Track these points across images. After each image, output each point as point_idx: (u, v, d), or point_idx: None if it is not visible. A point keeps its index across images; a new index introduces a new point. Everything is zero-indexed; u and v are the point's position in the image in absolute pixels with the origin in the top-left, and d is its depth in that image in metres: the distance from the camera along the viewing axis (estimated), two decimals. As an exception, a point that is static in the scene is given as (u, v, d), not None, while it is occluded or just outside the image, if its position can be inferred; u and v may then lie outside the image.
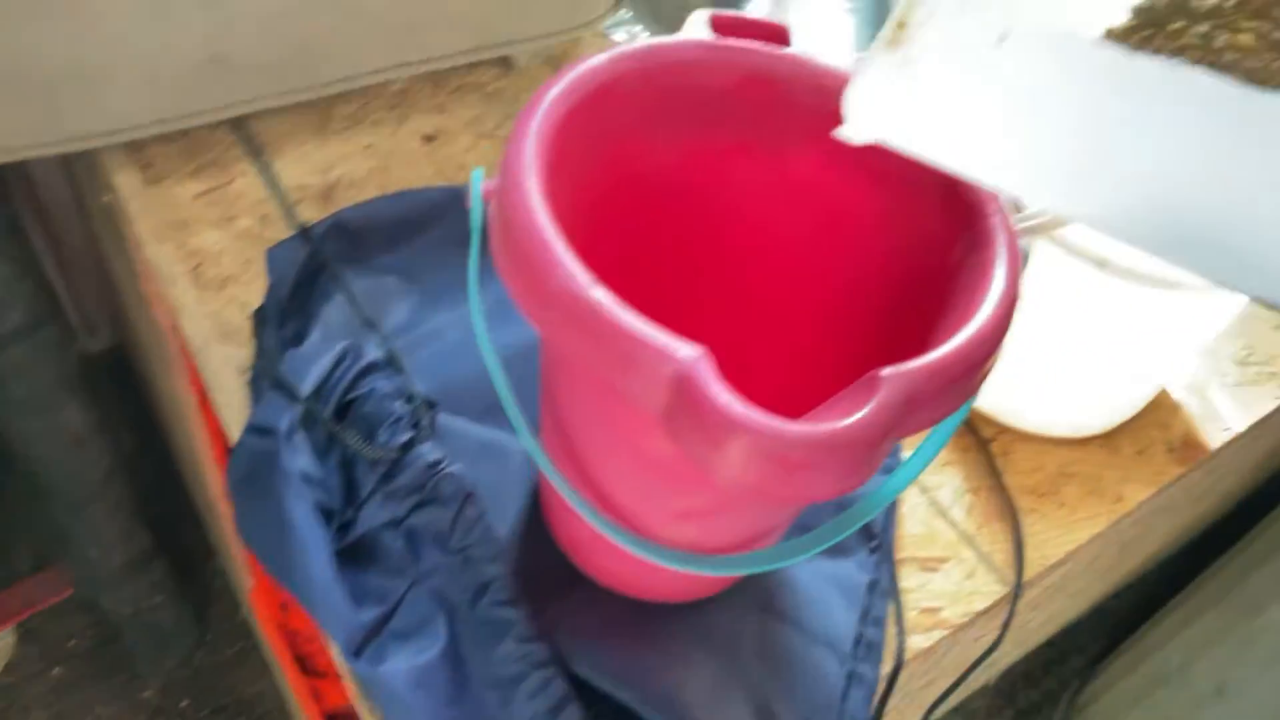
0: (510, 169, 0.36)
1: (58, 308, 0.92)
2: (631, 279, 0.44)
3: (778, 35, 0.42)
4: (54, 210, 1.24)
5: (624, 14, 0.81)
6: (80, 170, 0.95)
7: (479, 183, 0.39)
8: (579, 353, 0.34)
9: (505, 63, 0.76)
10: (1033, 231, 0.48)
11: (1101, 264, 0.51)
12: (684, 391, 0.32)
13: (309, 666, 1.13)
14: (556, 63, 0.77)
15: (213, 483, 0.97)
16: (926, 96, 0.27)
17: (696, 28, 0.41)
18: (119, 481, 1.04)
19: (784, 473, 0.32)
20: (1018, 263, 0.40)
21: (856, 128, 0.29)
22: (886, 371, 0.34)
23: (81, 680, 1.19)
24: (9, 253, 0.84)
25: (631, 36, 0.82)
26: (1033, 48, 0.23)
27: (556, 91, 0.39)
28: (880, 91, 0.30)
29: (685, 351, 0.32)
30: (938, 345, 0.37)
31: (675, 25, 0.82)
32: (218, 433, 0.95)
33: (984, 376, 0.38)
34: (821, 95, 0.42)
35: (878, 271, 0.43)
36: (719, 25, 0.41)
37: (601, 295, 0.33)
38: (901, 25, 0.31)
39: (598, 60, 0.40)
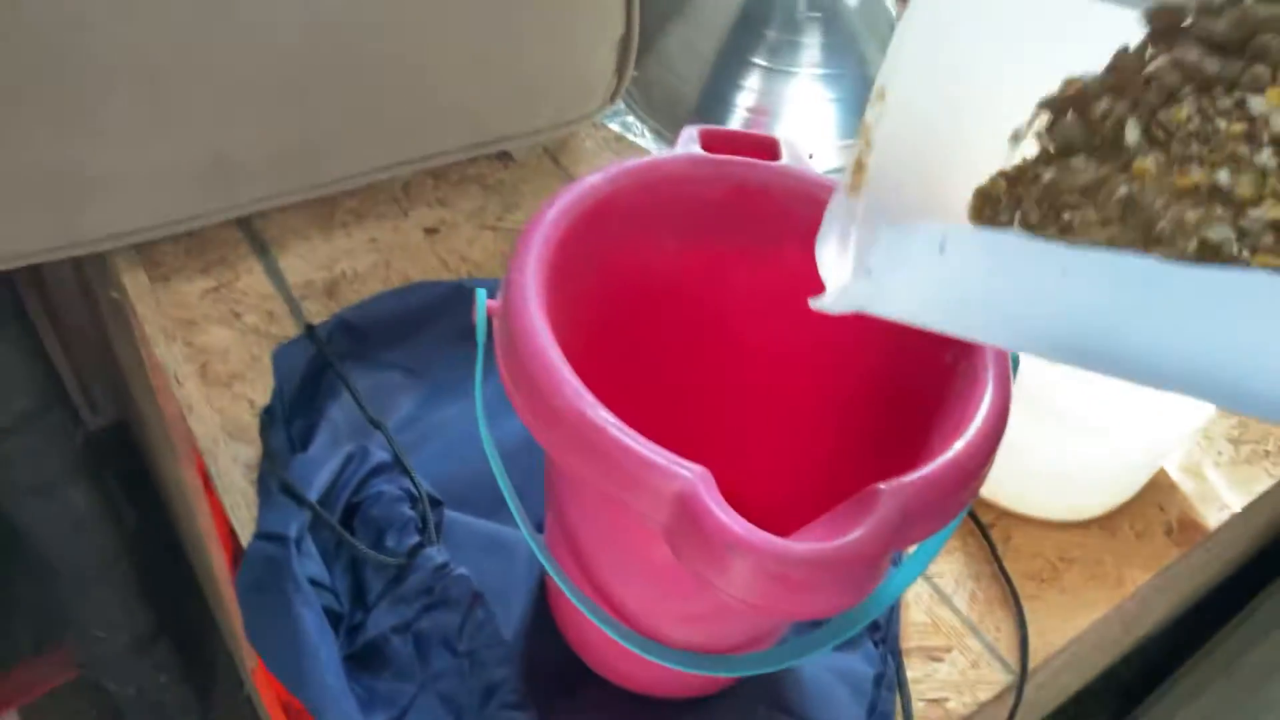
0: (513, 290, 0.37)
1: (63, 392, 0.93)
2: (632, 384, 0.45)
3: (767, 148, 0.43)
4: (58, 289, 1.26)
5: (618, 106, 0.84)
6: (88, 260, 0.97)
7: (484, 303, 0.40)
8: (583, 471, 0.34)
9: (505, 155, 0.78)
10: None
11: (1093, 356, 0.52)
12: (686, 511, 0.33)
13: (312, 747, 1.12)
14: (555, 153, 0.79)
15: (216, 562, 0.97)
16: (884, 293, 0.30)
17: (688, 143, 0.42)
18: (123, 561, 1.04)
19: (786, 592, 0.33)
20: (1007, 367, 0.41)
21: (831, 299, 0.31)
22: (884, 486, 0.35)
23: (84, 763, 1.18)
24: (15, 339, 0.86)
25: (625, 128, 0.84)
26: (967, 248, 0.27)
27: (556, 211, 0.40)
28: (847, 276, 0.33)
29: (687, 472, 0.33)
30: (933, 452, 0.38)
31: (667, 116, 0.84)
32: (221, 516, 0.95)
33: (980, 484, 0.39)
34: (812, 206, 0.43)
35: (871, 376, 0.44)
36: (709, 140, 0.43)
37: (605, 416, 0.34)
38: (860, 167, 0.33)
39: (596, 178, 0.41)
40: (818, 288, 0.45)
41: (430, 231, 0.72)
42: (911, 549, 0.59)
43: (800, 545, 0.33)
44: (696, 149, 0.42)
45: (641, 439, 0.34)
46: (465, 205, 0.74)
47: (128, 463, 1.34)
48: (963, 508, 0.38)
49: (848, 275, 0.34)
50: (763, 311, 0.46)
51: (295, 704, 1.11)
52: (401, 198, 0.73)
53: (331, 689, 0.44)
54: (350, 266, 0.68)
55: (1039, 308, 0.27)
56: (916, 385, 0.43)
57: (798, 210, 0.44)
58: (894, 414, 0.44)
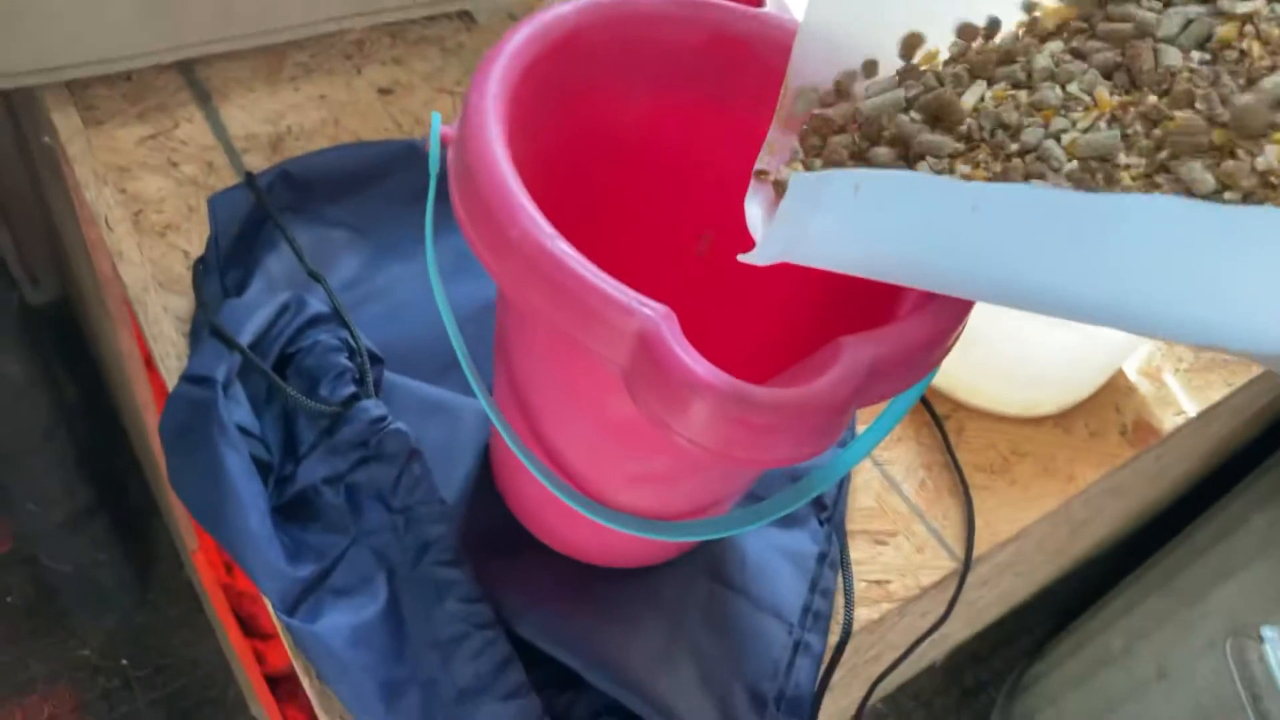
0: (472, 114, 0.35)
1: (-2, 255, 0.89)
2: (593, 233, 0.43)
3: (749, -5, 0.41)
4: (-1, 157, 1.20)
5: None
6: (22, 110, 0.92)
7: (438, 127, 0.38)
8: (539, 307, 0.32)
9: (466, 17, 0.74)
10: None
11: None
12: (647, 350, 0.31)
13: (252, 628, 1.11)
14: (520, 19, 0.75)
15: (156, 438, 0.95)
16: (804, 240, 0.31)
17: None
18: (61, 435, 1.01)
19: (747, 436, 0.31)
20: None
21: (755, 253, 0.32)
22: (851, 338, 0.34)
23: (18, 636, 1.16)
24: (-54, 197, 0.81)
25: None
26: (881, 189, 0.27)
27: (521, 38, 0.38)
28: (769, 226, 0.33)
29: (649, 309, 0.31)
30: (903, 316, 0.37)
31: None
32: (160, 387, 0.92)
33: (947, 350, 0.38)
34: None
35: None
36: (689, -22, 0.40)
37: (564, 248, 0.32)
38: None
39: (563, 9, 0.39)
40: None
41: (384, 92, 0.68)
42: (861, 427, 0.58)
43: (762, 389, 0.31)
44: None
45: (603, 274, 0.32)
46: (422, 67, 0.70)
47: (69, 338, 1.30)
48: (930, 369, 0.37)
49: (769, 225, 0.34)
50: (738, 162, 0.44)
51: (237, 585, 1.10)
52: (355, 54, 0.70)
53: (255, 534, 0.42)
54: (297, 122, 0.65)
55: (953, 244, 0.27)
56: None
57: (778, 63, 0.41)
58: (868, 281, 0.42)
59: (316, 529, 0.45)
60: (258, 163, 0.62)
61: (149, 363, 0.88)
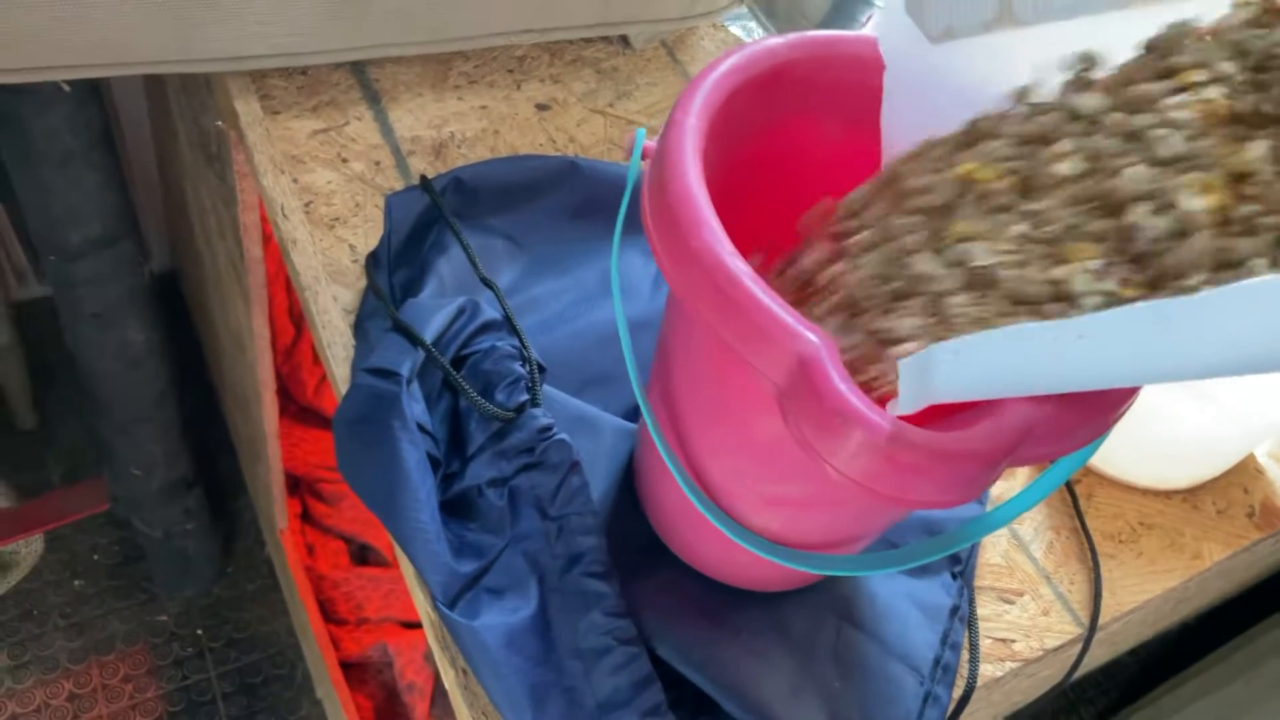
0: (673, 130, 0.37)
1: (134, 225, 0.92)
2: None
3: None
4: (128, 130, 1.25)
5: (741, 9, 0.81)
6: (172, 90, 0.95)
7: (641, 141, 0.39)
8: (709, 318, 0.34)
9: (623, 41, 0.76)
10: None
11: (1224, 319, 0.51)
12: (806, 374, 0.32)
13: (329, 613, 1.13)
14: (672, 47, 0.77)
15: (267, 417, 0.97)
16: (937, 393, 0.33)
17: (875, 27, 0.41)
18: (169, 404, 1.04)
19: (893, 472, 0.32)
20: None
21: (901, 409, 0.34)
22: (1014, 397, 0.34)
23: (102, 594, 1.19)
24: (98, 162, 0.85)
25: (747, 32, 0.81)
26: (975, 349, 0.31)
27: (729, 65, 0.39)
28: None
29: (814, 336, 0.32)
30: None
31: (788, 25, 0.81)
32: (275, 373, 0.95)
33: (1114, 421, 0.38)
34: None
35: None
36: (903, 30, 0.41)
37: (741, 265, 0.33)
38: None
39: (775, 42, 0.40)
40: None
41: (541, 108, 0.70)
42: (1018, 488, 0.58)
43: (916, 429, 0.32)
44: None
45: (774, 295, 0.33)
46: (578, 86, 0.72)
47: (176, 312, 1.34)
48: (1092, 439, 0.37)
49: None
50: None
51: (318, 568, 1.12)
52: (516, 69, 0.72)
53: (426, 528, 0.43)
54: (459, 130, 0.67)
55: (1061, 365, 0.29)
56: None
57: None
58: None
59: (476, 528, 0.46)
60: (420, 165, 0.64)
61: (273, 343, 0.91)
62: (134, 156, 1.28)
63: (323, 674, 1.10)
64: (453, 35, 0.67)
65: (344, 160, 0.63)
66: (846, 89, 0.43)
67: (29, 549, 1.15)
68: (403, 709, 1.10)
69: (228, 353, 1.10)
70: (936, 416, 0.36)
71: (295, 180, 0.61)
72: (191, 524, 1.15)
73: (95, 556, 1.22)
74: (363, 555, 1.19)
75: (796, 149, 0.45)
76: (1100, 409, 0.36)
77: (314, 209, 0.60)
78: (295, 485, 1.16)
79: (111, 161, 0.86)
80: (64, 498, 1.18)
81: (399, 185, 0.62)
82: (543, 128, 0.69)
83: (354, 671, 1.10)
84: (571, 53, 0.74)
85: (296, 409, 1.14)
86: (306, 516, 1.17)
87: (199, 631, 1.20)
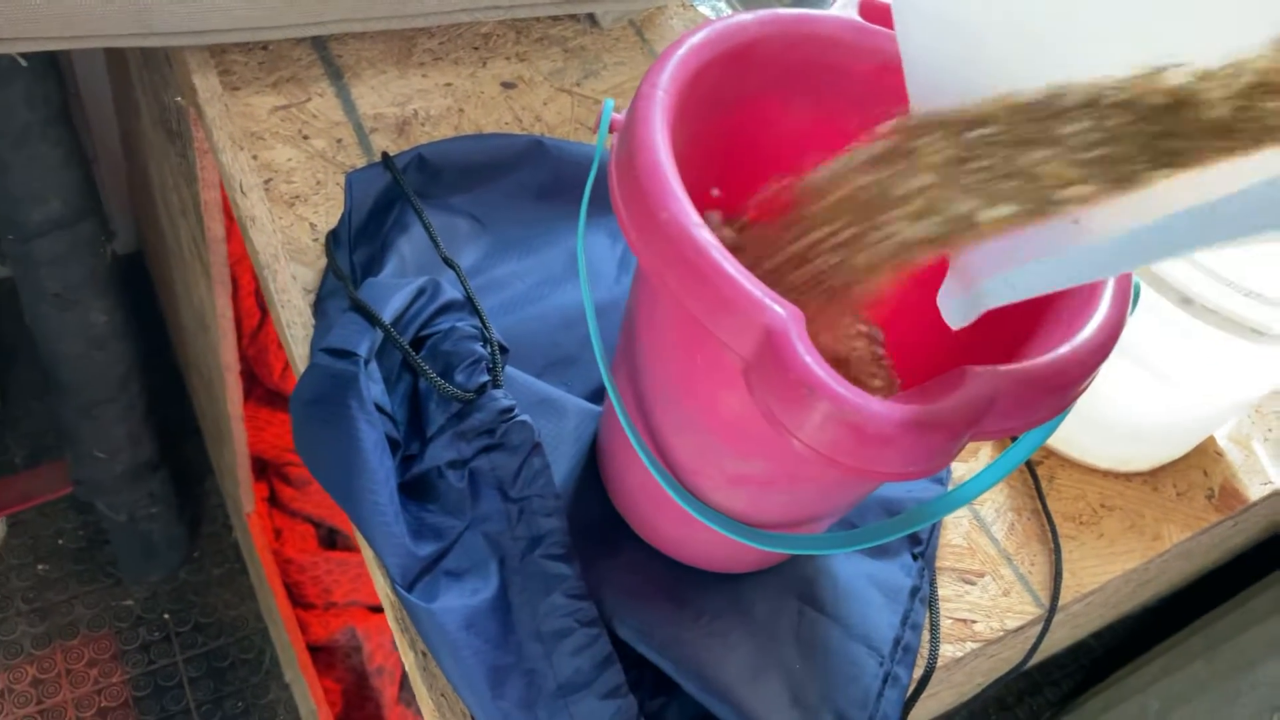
0: (641, 103, 0.36)
1: (96, 204, 0.91)
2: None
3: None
4: (91, 106, 1.22)
5: (712, -12, 0.81)
6: (134, 65, 0.94)
7: (609, 113, 0.39)
8: (675, 290, 0.34)
9: (590, 19, 0.75)
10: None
11: (1186, 302, 0.51)
12: (773, 346, 0.32)
13: (297, 597, 1.12)
14: (640, 27, 0.76)
15: (231, 399, 0.96)
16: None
17: (845, 7, 0.40)
18: (133, 387, 1.03)
19: (857, 444, 0.32)
20: (1127, 293, 0.40)
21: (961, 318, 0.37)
22: (977, 368, 0.35)
23: (66, 579, 1.18)
24: (57, 139, 0.83)
25: (716, 12, 0.81)
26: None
27: (699, 39, 0.39)
28: None
29: (780, 309, 0.32)
30: (1034, 354, 0.37)
31: (756, 2, 0.81)
32: (241, 355, 0.94)
33: (1074, 396, 0.38)
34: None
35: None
36: (868, 10, 0.41)
37: (708, 237, 0.33)
38: None
39: (746, 19, 0.40)
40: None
41: (507, 86, 0.69)
42: (960, 473, 0.58)
43: (879, 400, 0.32)
44: (854, 14, 0.40)
45: (740, 267, 0.33)
46: (544, 65, 0.71)
47: (141, 292, 1.32)
48: (1053, 415, 0.38)
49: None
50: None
51: (285, 552, 1.11)
52: (481, 46, 0.71)
53: (384, 509, 0.43)
54: (424, 107, 0.66)
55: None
56: (1024, 306, 0.41)
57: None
58: (1002, 323, 0.43)
59: (436, 510, 0.46)
60: (383, 143, 0.63)
61: (239, 326, 0.90)
62: (97, 134, 1.26)
63: (291, 658, 1.09)
64: (415, 10, 0.66)
65: (305, 137, 0.62)
66: (817, 67, 0.42)
67: (-10, 532, 1.14)
68: (371, 693, 1.10)
69: (192, 333, 1.09)
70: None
71: (255, 157, 0.60)
72: (156, 507, 1.14)
73: (59, 540, 1.20)
74: (330, 539, 1.18)
75: (766, 126, 0.45)
76: (1061, 385, 0.36)
77: (274, 186, 0.60)
78: (263, 469, 1.15)
79: (71, 137, 0.85)
80: (26, 481, 1.17)
81: (361, 163, 0.61)
82: (509, 106, 0.68)
83: (322, 655, 1.10)
84: (538, 30, 0.73)
85: (263, 392, 1.13)
86: (274, 500, 1.16)
87: (165, 616, 1.19)
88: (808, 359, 0.32)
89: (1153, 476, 0.63)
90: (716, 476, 0.43)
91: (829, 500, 0.46)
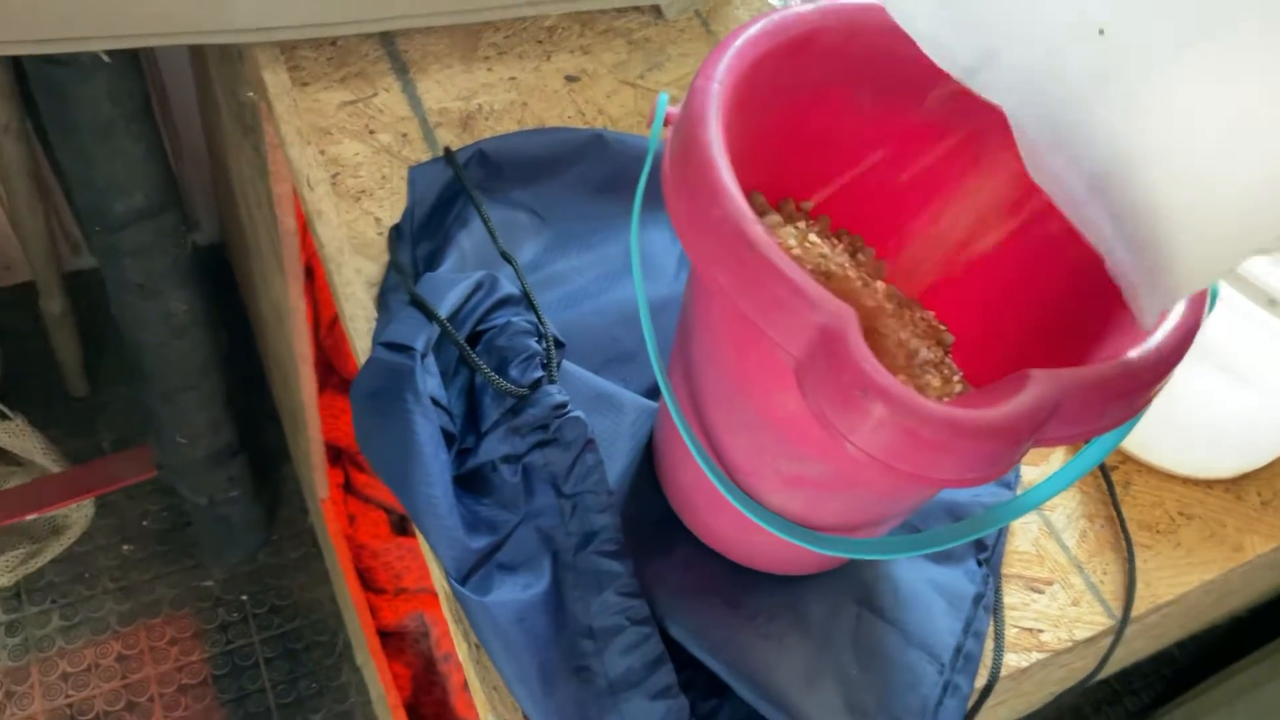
0: (696, 97, 0.36)
1: (178, 197, 0.93)
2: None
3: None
4: (174, 100, 1.26)
5: (782, -23, 0.79)
6: (212, 62, 0.96)
7: (663, 107, 0.38)
8: (727, 288, 0.33)
9: (655, 11, 0.74)
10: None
11: (1271, 304, 0.48)
12: (827, 345, 0.31)
13: (369, 582, 1.14)
14: (706, 18, 0.75)
15: (305, 389, 0.98)
16: None
17: None
18: (213, 374, 1.06)
19: (913, 448, 0.31)
20: (1203, 296, 0.38)
21: None
22: (1040, 372, 0.33)
23: (150, 560, 1.22)
24: (139, 133, 0.86)
25: (784, 3, 0.79)
26: None
27: (756, 31, 0.38)
28: None
29: (836, 307, 0.31)
30: (1099, 361, 0.36)
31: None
32: (314, 345, 0.96)
33: (1145, 403, 0.36)
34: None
35: (1056, 281, 0.41)
36: None
37: (761, 234, 0.32)
38: None
39: (806, 10, 0.39)
40: (1025, 184, 0.42)
41: (571, 79, 0.69)
42: (1032, 475, 0.56)
43: (936, 404, 0.31)
44: None
45: (794, 265, 0.32)
46: (608, 58, 0.71)
47: (223, 282, 1.36)
48: (1122, 421, 0.36)
49: None
50: (953, 192, 0.43)
51: (359, 538, 1.13)
52: (545, 39, 0.71)
53: (439, 503, 0.43)
54: (487, 101, 0.66)
55: None
56: (1105, 300, 0.40)
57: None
58: (1073, 326, 0.41)
59: (490, 504, 0.46)
60: (447, 137, 0.63)
61: (311, 319, 0.91)
62: (182, 128, 1.29)
63: (362, 642, 1.12)
64: (481, 5, 0.66)
65: (371, 132, 0.63)
66: (878, 57, 0.41)
67: (79, 513, 1.18)
68: (439, 678, 1.11)
69: (270, 324, 1.12)
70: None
71: (322, 152, 0.61)
72: (235, 492, 1.17)
73: (144, 522, 1.25)
74: (402, 525, 1.20)
75: (828, 116, 0.43)
76: (1131, 389, 0.35)
77: (340, 181, 0.60)
78: (337, 455, 1.17)
79: (153, 132, 0.87)
80: (112, 464, 1.21)
81: (426, 157, 0.62)
82: (571, 99, 0.68)
83: (392, 640, 1.12)
84: (603, 23, 0.73)
85: (339, 380, 1.15)
86: (348, 486, 1.19)
87: (243, 597, 1.22)
88: (862, 359, 0.31)
89: (1235, 484, 0.60)
90: (772, 478, 0.43)
91: (888, 504, 0.45)
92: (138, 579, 1.21)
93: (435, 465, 0.44)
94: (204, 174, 1.36)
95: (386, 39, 0.68)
